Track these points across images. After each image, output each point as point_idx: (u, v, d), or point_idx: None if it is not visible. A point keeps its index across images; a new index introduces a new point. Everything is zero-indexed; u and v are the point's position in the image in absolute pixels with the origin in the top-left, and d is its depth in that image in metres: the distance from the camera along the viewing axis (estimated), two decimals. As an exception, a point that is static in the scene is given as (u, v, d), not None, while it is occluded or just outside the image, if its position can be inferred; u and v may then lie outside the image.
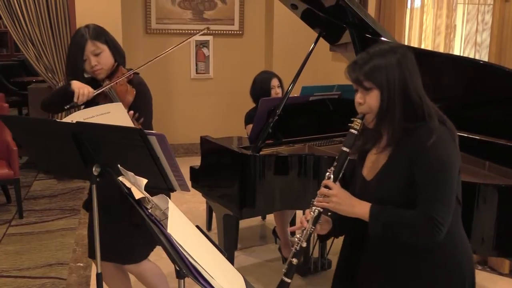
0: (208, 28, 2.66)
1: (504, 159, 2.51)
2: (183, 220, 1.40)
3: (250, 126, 3.35)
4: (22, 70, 8.31)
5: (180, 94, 6.22)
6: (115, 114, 2.02)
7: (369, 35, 2.75)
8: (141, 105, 2.27)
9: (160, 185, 1.79)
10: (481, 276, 3.34)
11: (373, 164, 1.71)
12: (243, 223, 4.00)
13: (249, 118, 3.53)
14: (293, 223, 3.89)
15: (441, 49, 3.95)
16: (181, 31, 6.04)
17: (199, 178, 3.11)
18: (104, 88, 2.27)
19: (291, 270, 1.69)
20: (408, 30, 4.28)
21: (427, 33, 4.12)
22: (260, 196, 2.73)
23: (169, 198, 1.43)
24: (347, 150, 1.67)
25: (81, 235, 3.92)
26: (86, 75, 2.37)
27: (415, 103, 1.59)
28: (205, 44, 6.20)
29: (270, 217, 4.07)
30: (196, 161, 3.22)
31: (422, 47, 4.06)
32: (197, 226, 1.48)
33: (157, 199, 1.42)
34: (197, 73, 6.27)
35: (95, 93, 2.24)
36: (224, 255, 1.48)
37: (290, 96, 2.99)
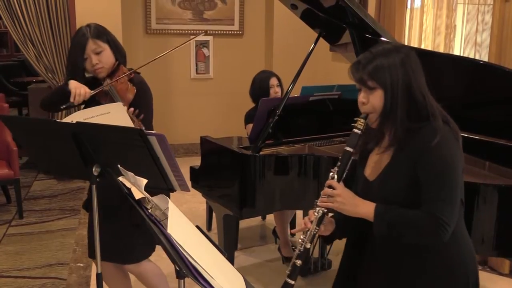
0: (205, 32, 2.68)
1: (504, 159, 2.51)
2: (183, 220, 1.40)
3: (250, 125, 3.35)
4: (22, 70, 8.31)
5: (180, 94, 6.22)
6: (115, 114, 2.02)
7: (369, 35, 2.75)
8: (141, 103, 2.27)
9: (160, 185, 1.79)
10: (481, 276, 3.29)
11: (375, 164, 1.71)
12: (243, 223, 4.00)
13: (249, 117, 3.53)
14: (293, 223, 3.90)
15: (441, 49, 3.95)
16: (181, 31, 6.04)
17: (199, 178, 3.11)
18: (102, 87, 2.27)
19: (295, 272, 1.68)
20: (408, 30, 4.28)
21: (427, 33, 4.12)
22: (260, 196, 2.73)
23: (169, 198, 1.43)
24: (351, 150, 1.66)
25: (81, 235, 3.92)
26: (87, 74, 2.37)
27: (418, 103, 1.59)
28: (205, 44, 6.20)
29: (270, 217, 4.07)
30: (196, 161, 3.22)
31: (422, 47, 4.06)
32: (197, 226, 1.48)
33: (157, 199, 1.42)
34: (197, 73, 6.27)
35: (92, 93, 2.24)
36: (224, 255, 1.48)
37: (290, 96, 2.99)
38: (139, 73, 2.42)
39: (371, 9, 4.74)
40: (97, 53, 2.28)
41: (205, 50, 6.23)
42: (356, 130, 1.65)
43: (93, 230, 1.85)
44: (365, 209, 1.61)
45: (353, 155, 1.68)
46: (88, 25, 2.32)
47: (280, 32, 6.11)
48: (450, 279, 1.62)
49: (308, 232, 1.67)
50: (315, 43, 3.09)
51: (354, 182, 1.78)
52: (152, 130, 2.29)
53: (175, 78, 6.19)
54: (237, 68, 6.24)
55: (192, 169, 3.16)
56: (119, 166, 1.53)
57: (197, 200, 4.16)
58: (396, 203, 1.58)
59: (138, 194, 1.40)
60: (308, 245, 1.67)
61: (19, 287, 3.22)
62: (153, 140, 1.68)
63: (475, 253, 1.70)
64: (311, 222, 1.67)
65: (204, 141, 3.06)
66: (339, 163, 1.67)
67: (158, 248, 2.35)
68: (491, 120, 2.54)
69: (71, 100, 2.21)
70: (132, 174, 1.46)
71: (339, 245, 1.87)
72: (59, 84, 4.93)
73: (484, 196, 2.21)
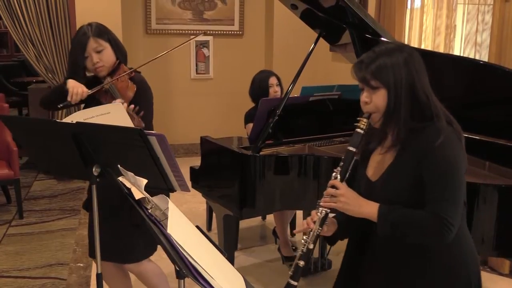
0: (205, 32, 2.68)
1: (504, 159, 2.51)
2: (183, 221, 1.40)
3: (250, 125, 3.35)
4: (22, 70, 8.31)
5: (180, 94, 6.22)
6: (115, 115, 2.02)
7: (369, 35, 2.75)
8: (141, 101, 2.27)
9: (160, 185, 1.79)
10: (481, 276, 3.34)
11: (378, 164, 1.69)
12: (243, 223, 4.00)
13: (249, 117, 3.54)
14: (293, 223, 3.90)
15: (441, 49, 3.95)
16: (181, 32, 6.04)
17: (199, 178, 3.12)
18: (102, 85, 2.28)
19: (297, 273, 1.67)
20: (408, 31, 4.28)
21: (427, 33, 4.12)
22: (260, 196, 2.73)
23: (169, 198, 1.43)
24: (354, 149, 1.65)
25: (81, 235, 3.92)
26: (88, 74, 2.38)
27: (422, 103, 1.58)
28: (205, 44, 6.21)
29: (270, 217, 4.07)
30: (196, 161, 3.22)
31: (422, 47, 4.06)
32: (197, 226, 1.48)
33: (157, 200, 1.42)
34: (197, 73, 6.27)
35: (90, 93, 2.24)
36: (224, 255, 1.48)
37: (290, 96, 2.99)
38: (139, 72, 2.43)
39: (371, 9, 4.74)
40: (98, 52, 2.29)
41: (205, 50, 6.23)
42: (359, 130, 1.63)
43: (93, 230, 1.85)
44: (369, 209, 1.60)
45: (355, 155, 1.67)
46: (90, 24, 2.32)
47: (280, 32, 6.11)
48: (452, 279, 1.61)
49: (311, 233, 1.66)
50: (315, 43, 3.09)
51: (356, 182, 1.77)
52: (152, 129, 2.29)
53: (175, 78, 6.19)
54: (237, 68, 6.24)
55: (192, 169, 3.16)
56: (119, 166, 1.53)
57: (197, 200, 4.16)
58: (399, 203, 1.57)
59: (138, 194, 1.40)
60: (311, 246, 1.66)
61: (19, 287, 3.22)
62: (153, 140, 1.68)
63: (477, 253, 1.69)
64: (314, 222, 1.66)
65: (204, 141, 3.06)
66: (341, 163, 1.66)
67: (158, 248, 2.36)
68: (491, 120, 2.54)
69: (68, 99, 2.21)
70: (132, 174, 1.46)
71: (339, 245, 1.87)
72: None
73: (484, 196, 2.21)
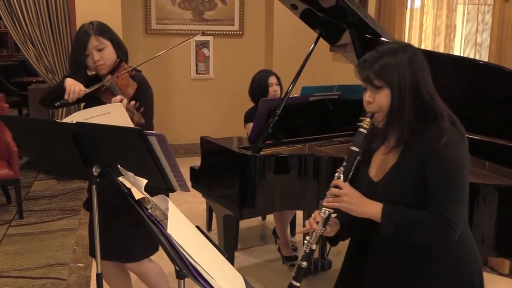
0: (204, 32, 2.68)
1: (504, 159, 2.51)
2: (183, 221, 1.40)
3: (250, 124, 3.35)
4: (22, 70, 8.31)
5: (180, 94, 6.22)
6: (115, 115, 2.02)
7: (369, 36, 2.75)
8: (142, 98, 2.27)
9: (160, 185, 1.79)
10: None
11: (381, 164, 1.69)
12: (243, 223, 4.00)
13: (249, 116, 3.53)
14: (293, 223, 3.90)
15: (441, 50, 3.95)
16: (181, 32, 6.04)
17: (199, 178, 3.11)
18: (102, 83, 2.28)
19: (300, 273, 1.66)
20: (408, 31, 4.28)
21: (427, 33, 4.12)
22: (260, 196, 2.73)
23: (169, 198, 1.43)
24: (357, 149, 1.64)
25: (81, 235, 3.92)
26: (89, 72, 2.38)
27: (426, 103, 1.57)
28: (205, 44, 6.21)
29: (270, 217, 4.07)
30: (196, 161, 3.22)
31: (422, 47, 4.05)
32: (197, 227, 1.48)
33: (157, 200, 1.42)
34: (197, 73, 6.27)
35: (87, 92, 2.24)
36: (224, 255, 1.48)
37: (290, 96, 2.99)
38: (140, 71, 2.43)
39: (371, 9, 4.74)
40: (99, 50, 2.29)
41: (205, 50, 6.23)
42: (362, 130, 1.63)
43: (93, 230, 1.85)
44: (372, 209, 1.59)
45: (358, 155, 1.66)
46: (91, 22, 2.33)
47: (280, 32, 6.11)
48: (455, 279, 1.61)
49: (314, 233, 1.65)
50: (315, 43, 3.09)
51: (358, 182, 1.76)
52: (152, 128, 2.29)
53: (175, 78, 6.19)
54: (237, 68, 6.24)
55: (192, 169, 3.16)
56: (119, 166, 1.53)
57: (197, 200, 4.16)
58: (403, 204, 1.57)
59: (138, 194, 1.40)
60: (314, 246, 1.64)
61: (19, 287, 3.22)
62: (153, 140, 1.68)
63: (479, 254, 1.69)
64: (317, 223, 1.65)
65: (204, 141, 3.06)
66: (344, 163, 1.65)
67: (159, 248, 2.36)
68: (491, 120, 2.54)
69: (65, 97, 2.21)
70: (132, 174, 1.46)
71: (340, 245, 1.86)
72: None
73: (484, 196, 2.21)
